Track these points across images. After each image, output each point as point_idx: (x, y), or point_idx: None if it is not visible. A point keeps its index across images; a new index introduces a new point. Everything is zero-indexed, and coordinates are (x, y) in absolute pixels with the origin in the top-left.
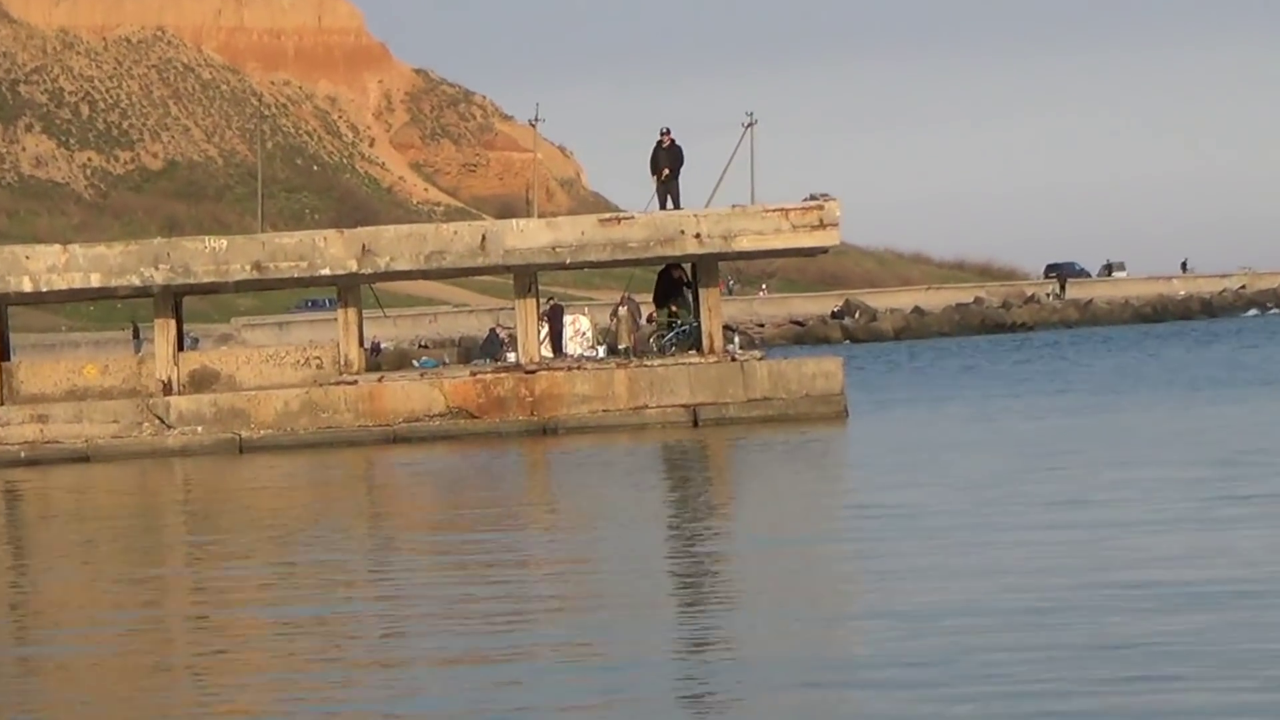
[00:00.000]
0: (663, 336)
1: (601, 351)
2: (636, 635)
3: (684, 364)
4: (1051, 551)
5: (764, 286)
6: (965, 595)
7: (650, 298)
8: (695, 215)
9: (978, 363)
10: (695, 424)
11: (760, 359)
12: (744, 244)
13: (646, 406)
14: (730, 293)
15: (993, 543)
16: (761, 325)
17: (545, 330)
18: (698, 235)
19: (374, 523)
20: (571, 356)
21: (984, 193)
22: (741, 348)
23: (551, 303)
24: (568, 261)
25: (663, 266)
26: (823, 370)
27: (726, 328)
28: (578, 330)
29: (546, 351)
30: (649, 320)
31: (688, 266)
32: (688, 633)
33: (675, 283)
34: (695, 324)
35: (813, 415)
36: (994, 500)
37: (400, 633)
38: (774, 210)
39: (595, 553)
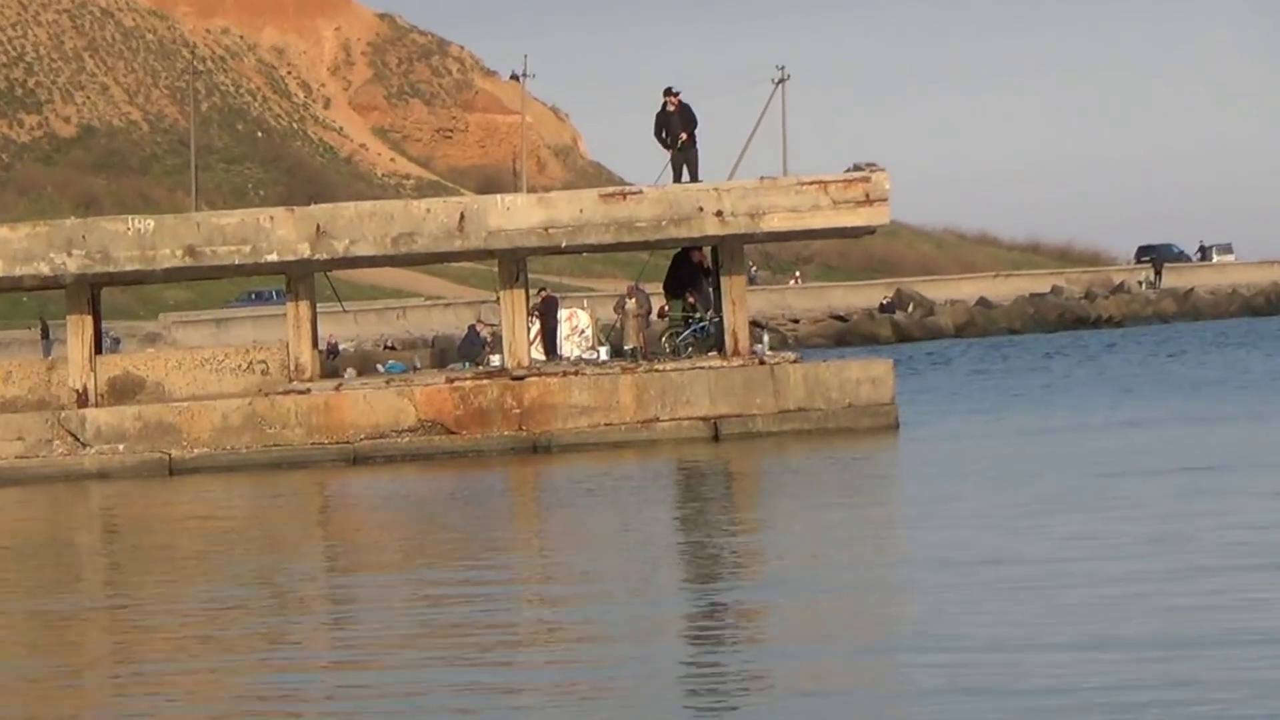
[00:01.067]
0: (677, 335)
1: (604, 353)
2: None
3: (702, 368)
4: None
5: (797, 274)
6: (1094, 667)
7: (662, 288)
8: (716, 189)
9: (1055, 365)
10: (716, 439)
11: (794, 361)
12: (774, 223)
13: (658, 419)
14: (754, 281)
15: (1104, 601)
16: (796, 321)
17: (536, 327)
18: (719, 213)
19: (318, 574)
20: (568, 359)
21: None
22: (772, 348)
23: (544, 294)
24: (563, 245)
25: (677, 251)
26: (869, 375)
27: (754, 324)
28: (575, 328)
29: (538, 353)
30: (660, 315)
31: (707, 251)
32: None
33: (692, 270)
34: (716, 320)
35: (857, 429)
36: (1081, 538)
37: None
38: (810, 183)
39: (598, 631)
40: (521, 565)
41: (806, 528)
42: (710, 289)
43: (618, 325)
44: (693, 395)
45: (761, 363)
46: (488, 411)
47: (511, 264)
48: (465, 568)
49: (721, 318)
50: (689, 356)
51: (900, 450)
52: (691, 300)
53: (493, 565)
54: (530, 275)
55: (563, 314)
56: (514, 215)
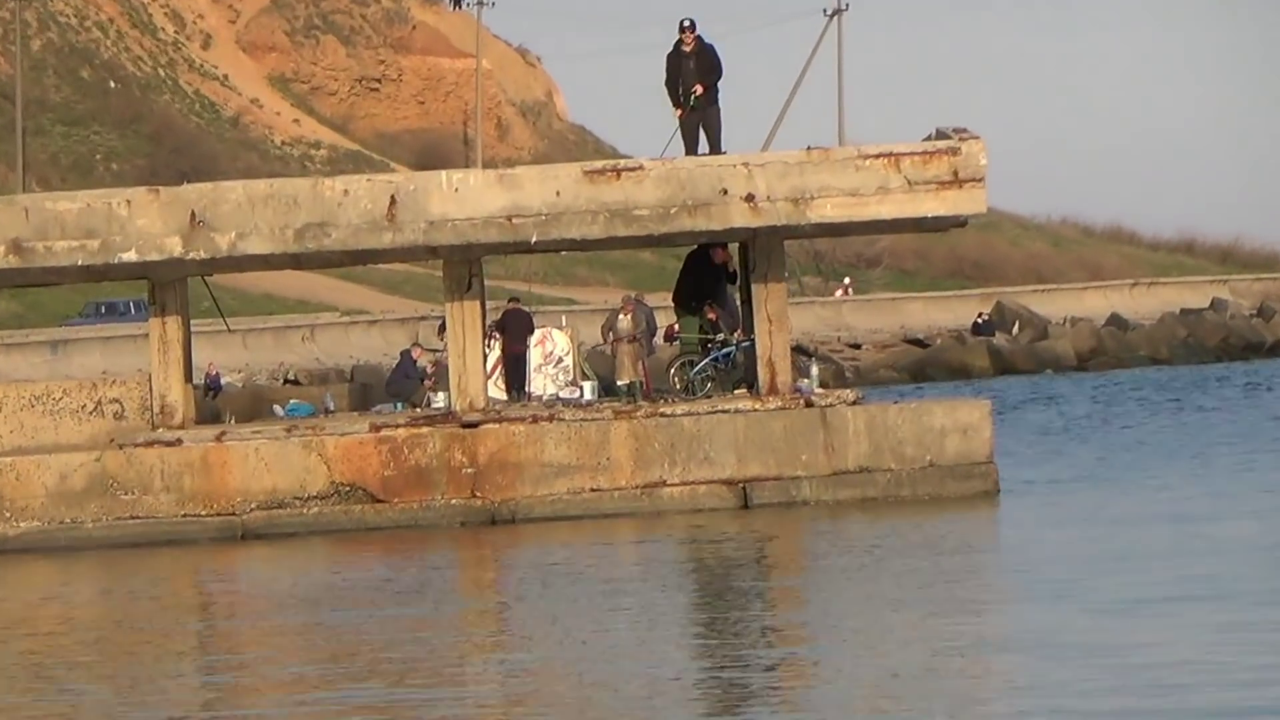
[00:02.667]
0: (691, 365)
1: (589, 390)
2: None
3: (727, 411)
4: None
5: (846, 282)
6: None
7: (671, 300)
8: (746, 164)
9: (1224, 408)
10: (745, 508)
11: (854, 403)
12: (826, 211)
13: (664, 482)
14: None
15: None
16: (857, 346)
17: (496, 354)
18: (750, 197)
19: None
20: (539, 398)
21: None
22: (823, 384)
23: (510, 306)
24: (534, 240)
25: (692, 249)
26: (958, 422)
27: (798, 350)
28: (550, 355)
29: (498, 391)
30: (669, 338)
31: (734, 250)
32: None
33: (713, 276)
34: (746, 344)
35: (941, 497)
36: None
37: None
38: (877, 156)
39: None
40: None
41: (879, 670)
42: (737, 302)
43: (609, 352)
44: (713, 449)
45: (809, 404)
46: (428, 471)
47: (462, 266)
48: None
49: (753, 341)
50: (708, 395)
51: (1002, 529)
52: (712, 317)
53: (418, 705)
54: (489, 282)
55: (534, 336)
56: (465, 199)
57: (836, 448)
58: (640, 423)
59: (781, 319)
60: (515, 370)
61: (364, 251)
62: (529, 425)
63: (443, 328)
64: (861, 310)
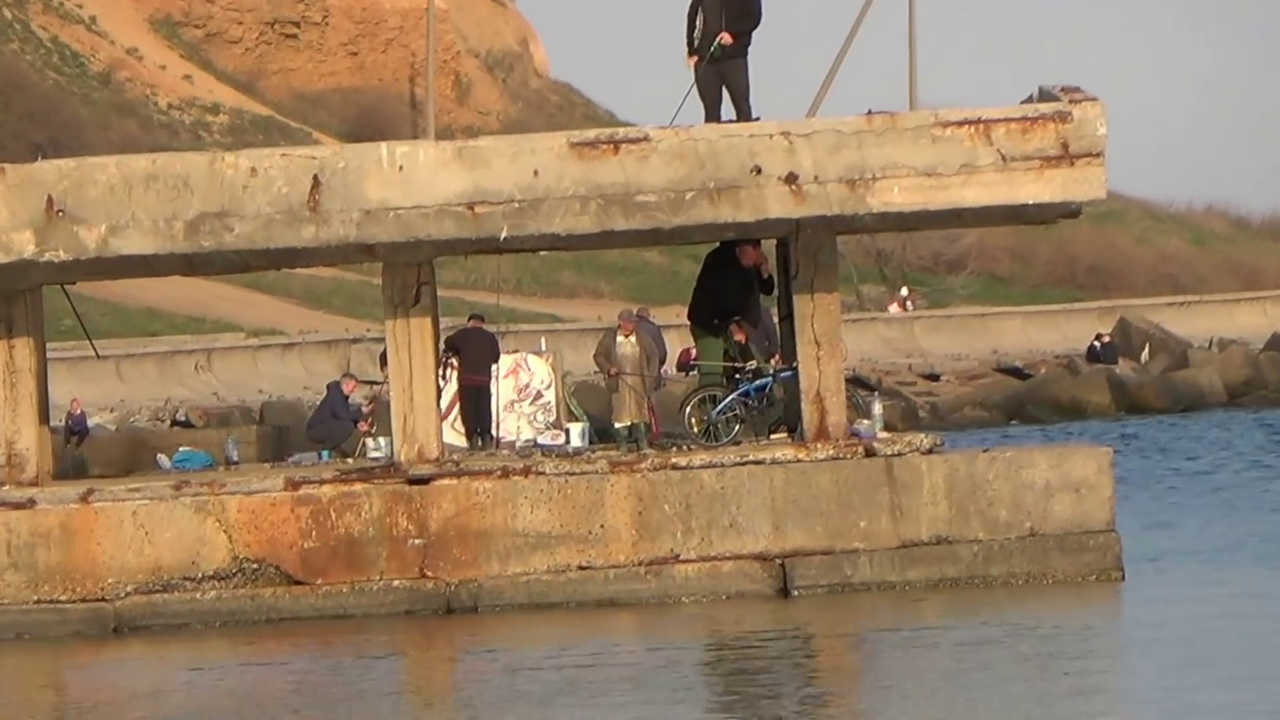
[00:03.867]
0: (713, 401)
1: (577, 434)
2: None
3: (761, 463)
4: None
5: (904, 293)
6: None
7: (686, 316)
8: (786, 134)
9: None
10: (784, 594)
11: (930, 451)
12: (893, 196)
13: (676, 558)
14: (858, 300)
15: None
16: (934, 378)
17: (453, 387)
18: (791, 177)
19: None
20: (511, 445)
21: None
22: (889, 426)
23: (471, 325)
24: (503, 235)
25: (714, 248)
26: (1068, 476)
27: (856, 383)
28: (525, 388)
29: (455, 435)
30: (683, 367)
31: (769, 249)
32: None
33: (741, 284)
34: (786, 374)
35: (1045, 577)
36: None
37: None
38: (960, 124)
39: None
40: None
41: None
42: (774, 319)
43: (603, 384)
44: (742, 514)
45: (869, 453)
46: (363, 543)
47: (407, 271)
48: None
49: (795, 371)
50: (735, 441)
51: (1132, 628)
52: (740, 339)
53: None
54: (444, 293)
55: (503, 364)
56: (412, 180)
57: (906, 511)
58: (645, 478)
59: (833, 341)
60: (478, 408)
61: (278, 251)
62: (497, 481)
63: (384, 356)
64: (940, 330)
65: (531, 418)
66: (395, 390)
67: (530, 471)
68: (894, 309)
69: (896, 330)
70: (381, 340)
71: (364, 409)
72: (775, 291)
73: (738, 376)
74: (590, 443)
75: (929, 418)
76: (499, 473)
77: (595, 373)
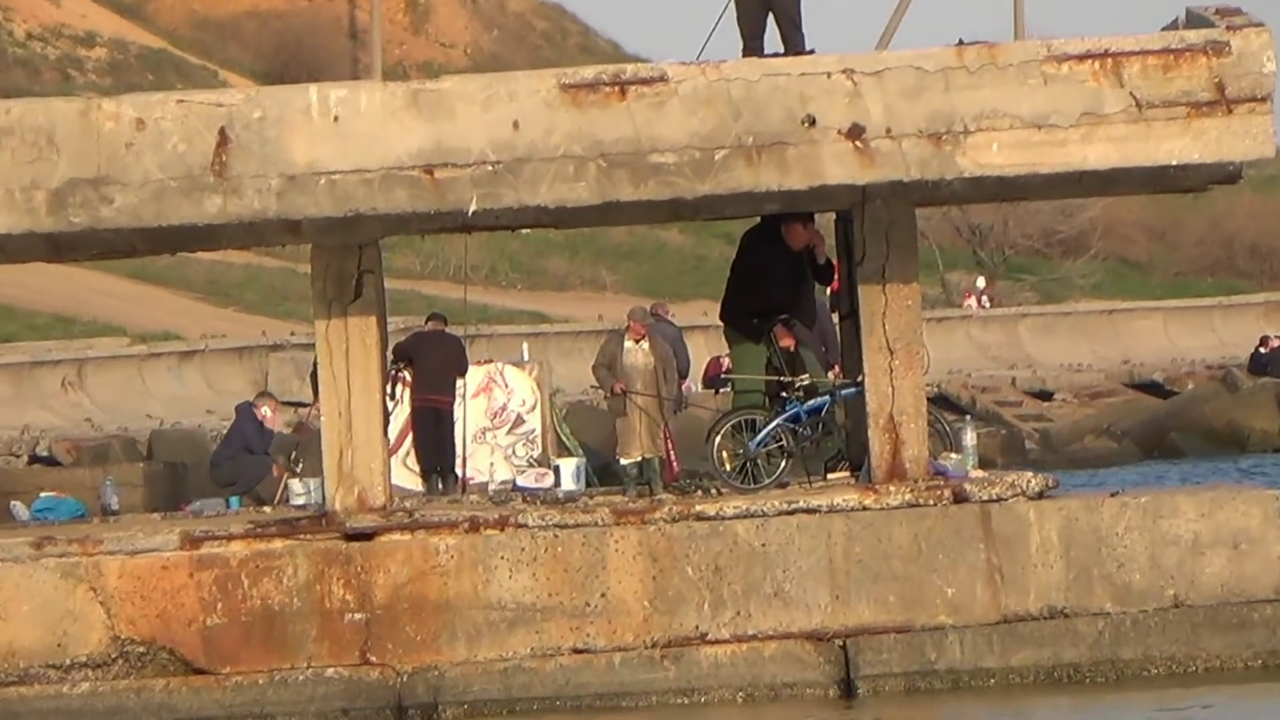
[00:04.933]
0: (751, 428)
1: (569, 473)
2: None
3: (814, 510)
4: None
5: (980, 285)
6: None
7: (718, 314)
8: (849, 71)
9: None
10: (847, 685)
11: (1040, 494)
12: (992, 155)
13: (703, 638)
14: (944, 293)
15: None
16: (1045, 396)
17: (403, 405)
18: (856, 130)
19: None
20: (483, 487)
21: None
22: (983, 461)
23: (429, 327)
24: (471, 209)
25: (753, 224)
26: (1223, 528)
27: (942, 404)
28: (501, 410)
29: (406, 475)
30: (712, 381)
31: (825, 227)
32: None
33: (789, 271)
34: (849, 389)
35: (1195, 661)
36: None
37: None
38: (1080, 58)
39: None
40: None
41: None
42: (834, 320)
43: (606, 406)
44: (790, 579)
45: (959, 497)
46: (285, 620)
47: (344, 255)
48: None
49: (860, 387)
50: (781, 481)
51: None
52: (788, 344)
53: None
54: (393, 284)
55: (471, 378)
56: (351, 135)
57: (1009, 575)
58: (661, 531)
59: (911, 347)
60: (438, 438)
61: (173, 230)
62: (464, 536)
63: (314, 369)
64: (1054, 331)
65: (509, 451)
66: (328, 415)
67: (508, 523)
68: (970, 304)
69: (996, 332)
70: (310, 348)
71: (285, 436)
72: (834, 282)
73: (784, 395)
74: (588, 485)
75: (1039, 450)
76: (466, 525)
77: (594, 390)
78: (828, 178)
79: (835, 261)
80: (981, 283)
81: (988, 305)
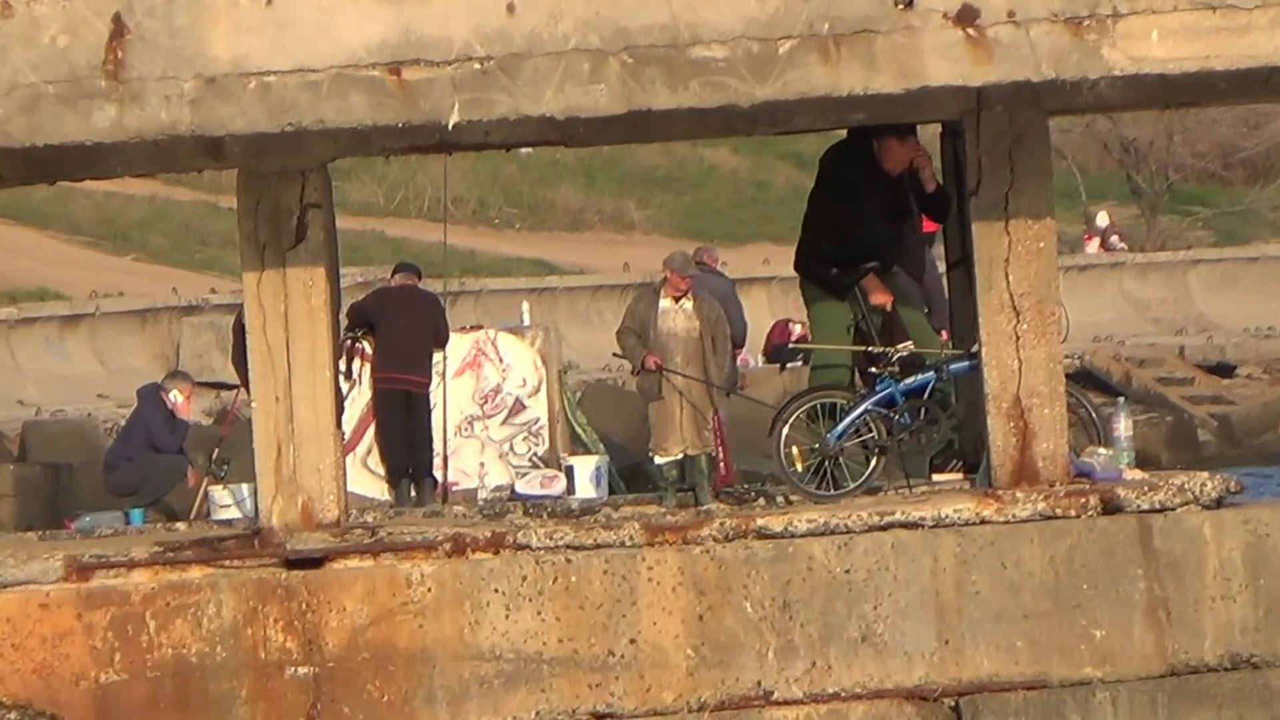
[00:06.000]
0: (832, 413)
1: (588, 476)
2: None
3: (915, 524)
4: None
5: (1102, 223)
6: None
7: (794, 267)
8: None
9: None
10: None
11: (1220, 502)
12: (1149, 47)
13: (767, 697)
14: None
15: None
16: (1224, 371)
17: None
18: (970, 13)
19: None
20: (470, 495)
21: None
22: (1142, 457)
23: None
24: (452, 121)
25: (834, 144)
26: None
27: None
28: (493, 392)
29: (368, 478)
30: (775, 352)
31: (932, 139)
32: None
33: (882, 203)
34: (962, 364)
35: None
36: None
37: None
38: None
39: None
40: None
41: None
42: (940, 269)
43: (637, 387)
44: (884, 619)
45: (1111, 508)
46: (205, 675)
47: (283, 185)
48: None
49: (976, 359)
50: (874, 485)
51: None
52: (882, 302)
53: None
54: (347, 224)
55: (453, 351)
56: (290, 23)
57: (1178, 612)
58: (710, 554)
59: (1044, 306)
60: (410, 430)
61: (51, 151)
62: (445, 562)
63: (240, 337)
64: (1235, 284)
65: (506, 447)
66: (261, 400)
67: (505, 544)
68: (1092, 248)
69: (1158, 285)
70: (235, 309)
71: (212, 430)
72: (942, 217)
73: (875, 371)
74: (610, 491)
75: (1216, 442)
76: (449, 546)
77: (619, 365)
78: (931, 77)
79: (946, 189)
80: (1104, 218)
81: (1119, 246)
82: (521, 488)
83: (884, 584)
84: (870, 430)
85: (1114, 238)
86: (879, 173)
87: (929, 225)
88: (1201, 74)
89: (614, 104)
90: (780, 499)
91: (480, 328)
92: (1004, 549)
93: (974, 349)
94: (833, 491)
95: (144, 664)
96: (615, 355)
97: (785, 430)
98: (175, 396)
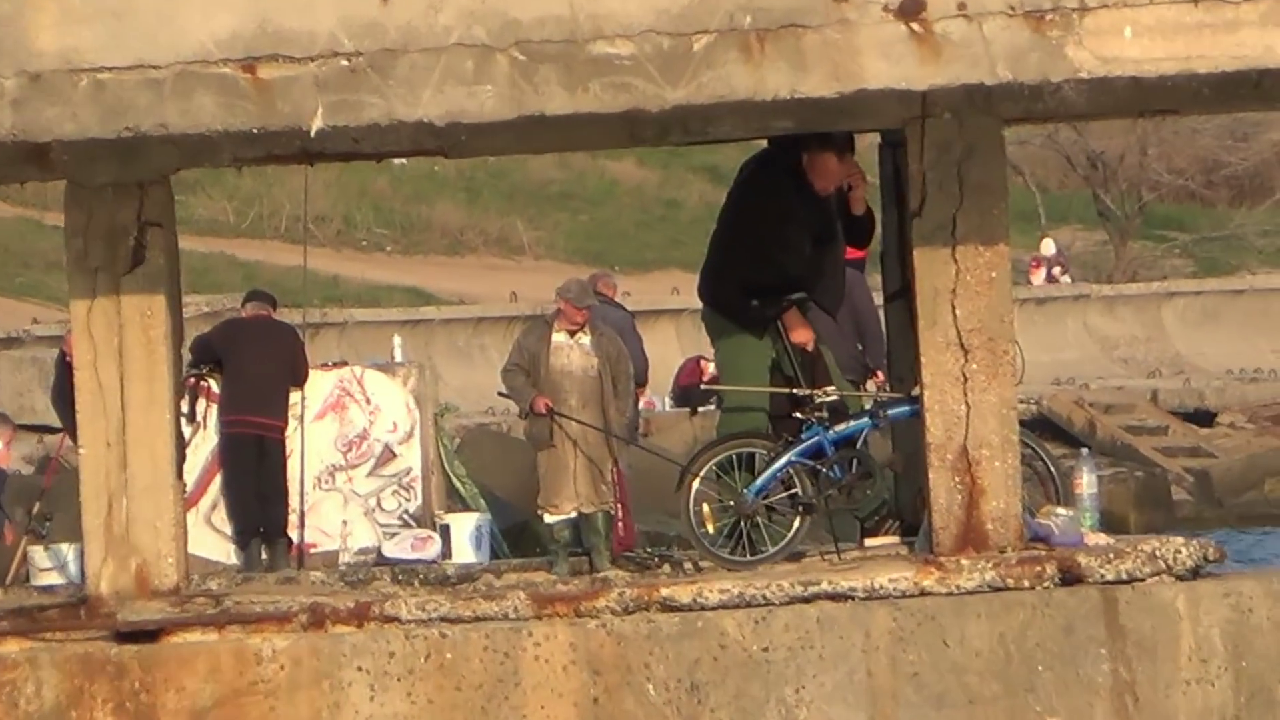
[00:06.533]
0: (748, 467)
1: (468, 535)
2: None
3: (847, 596)
4: None
5: (1047, 249)
6: None
7: (697, 290)
8: None
9: None
10: None
11: (1197, 572)
12: (1122, 45)
13: None
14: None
15: None
16: (1202, 419)
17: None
18: (914, 8)
19: None
20: (331, 557)
21: None
22: (1106, 521)
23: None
24: (316, 127)
25: (754, 153)
26: None
27: (1043, 433)
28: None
29: (212, 537)
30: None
31: (867, 151)
32: None
33: (809, 223)
34: (900, 410)
35: None
36: None
37: None
38: None
39: None
40: None
41: None
42: (871, 302)
43: (525, 432)
44: (808, 704)
45: (1071, 577)
46: None
47: (118, 198)
48: None
49: (916, 403)
50: (793, 551)
51: None
52: (802, 339)
53: None
54: (189, 244)
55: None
56: (126, 12)
57: (1147, 700)
58: (608, 628)
59: (995, 345)
60: (260, 482)
61: None
62: (301, 636)
63: (61, 373)
64: (1217, 320)
65: (373, 503)
66: (90, 446)
67: (370, 615)
68: (1038, 278)
69: (1128, 320)
70: (60, 341)
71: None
72: (870, 243)
73: (800, 417)
74: (493, 555)
75: (1194, 502)
76: (306, 618)
77: (504, 409)
78: (869, 79)
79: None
80: (1050, 246)
81: (1061, 276)
82: (390, 550)
83: (808, 664)
84: (794, 485)
85: (1055, 269)
86: (804, 191)
87: (851, 251)
88: (1181, 77)
89: (502, 108)
90: (689, 565)
91: (345, 364)
92: (947, 624)
93: (914, 393)
94: (749, 557)
95: None
96: (500, 395)
97: (695, 485)
98: None
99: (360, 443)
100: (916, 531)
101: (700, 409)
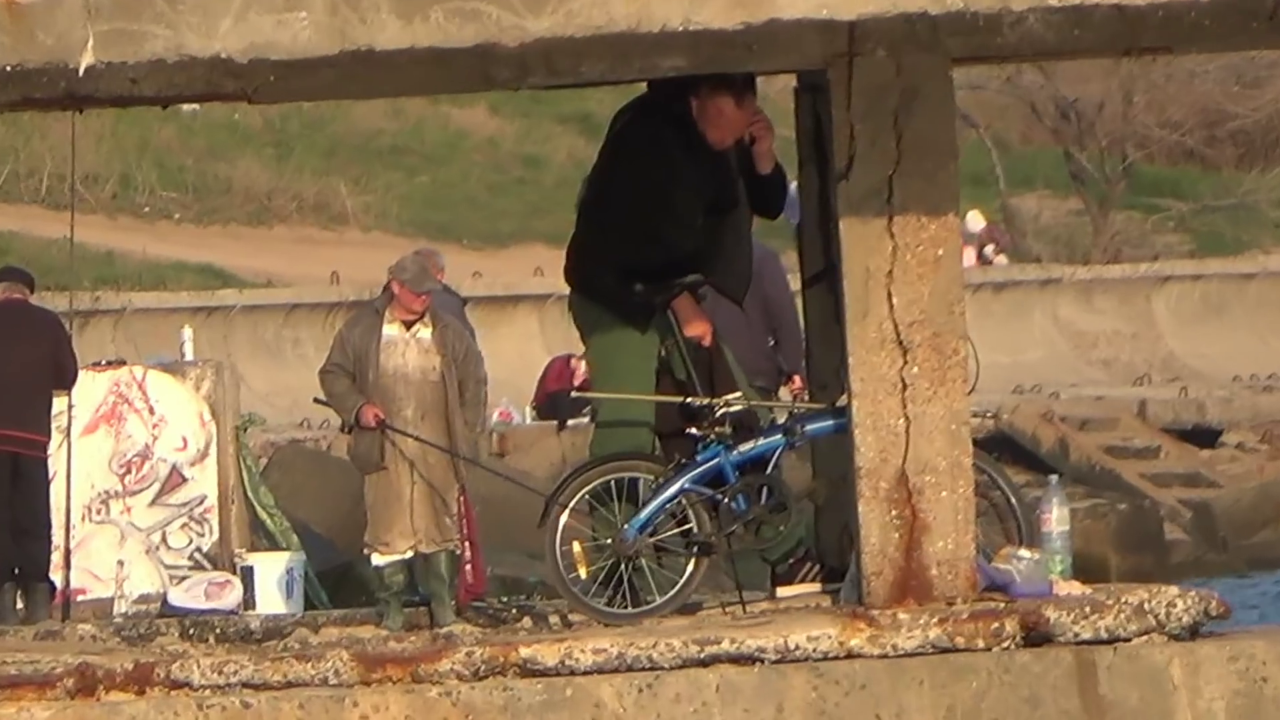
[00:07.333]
0: (630, 497)
1: (276, 580)
2: None
3: (751, 658)
4: None
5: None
6: None
7: (565, 274)
8: None
9: None
10: None
11: (1195, 632)
12: None
13: None
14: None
15: None
16: (1202, 437)
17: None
18: None
19: None
20: (105, 606)
21: None
22: (1077, 566)
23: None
24: (83, 66)
25: (632, 98)
26: None
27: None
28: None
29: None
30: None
31: (778, 100)
32: None
33: (703, 186)
34: (822, 424)
35: None
36: None
37: None
38: None
39: None
40: None
41: None
42: (788, 288)
43: (348, 451)
44: None
45: (1036, 637)
46: None
47: None
48: None
49: (842, 416)
50: (688, 604)
51: None
52: (699, 334)
53: None
54: None
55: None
56: None
57: None
58: (451, 698)
59: (942, 342)
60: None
61: None
62: (65, 706)
63: None
64: (1221, 313)
65: (156, 537)
66: None
67: (153, 680)
68: (972, 255)
69: (1108, 313)
70: None
71: None
72: (793, 214)
73: (694, 432)
74: (307, 605)
75: (1192, 541)
76: (72, 683)
77: (323, 420)
78: (782, 7)
79: (788, 172)
80: (977, 219)
81: (993, 257)
82: (178, 598)
83: None
84: (688, 520)
85: (988, 248)
86: (699, 145)
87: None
88: (1176, 4)
89: (320, 41)
90: (555, 619)
91: (123, 363)
92: (880, 694)
93: (840, 402)
94: (631, 609)
95: None
96: (318, 403)
97: (563, 518)
98: None
99: (141, 463)
100: (841, 577)
101: (570, 422)
